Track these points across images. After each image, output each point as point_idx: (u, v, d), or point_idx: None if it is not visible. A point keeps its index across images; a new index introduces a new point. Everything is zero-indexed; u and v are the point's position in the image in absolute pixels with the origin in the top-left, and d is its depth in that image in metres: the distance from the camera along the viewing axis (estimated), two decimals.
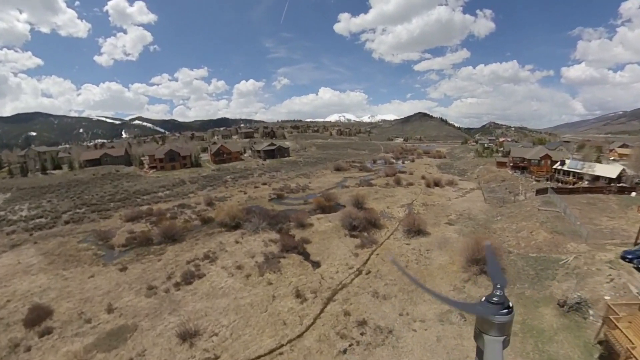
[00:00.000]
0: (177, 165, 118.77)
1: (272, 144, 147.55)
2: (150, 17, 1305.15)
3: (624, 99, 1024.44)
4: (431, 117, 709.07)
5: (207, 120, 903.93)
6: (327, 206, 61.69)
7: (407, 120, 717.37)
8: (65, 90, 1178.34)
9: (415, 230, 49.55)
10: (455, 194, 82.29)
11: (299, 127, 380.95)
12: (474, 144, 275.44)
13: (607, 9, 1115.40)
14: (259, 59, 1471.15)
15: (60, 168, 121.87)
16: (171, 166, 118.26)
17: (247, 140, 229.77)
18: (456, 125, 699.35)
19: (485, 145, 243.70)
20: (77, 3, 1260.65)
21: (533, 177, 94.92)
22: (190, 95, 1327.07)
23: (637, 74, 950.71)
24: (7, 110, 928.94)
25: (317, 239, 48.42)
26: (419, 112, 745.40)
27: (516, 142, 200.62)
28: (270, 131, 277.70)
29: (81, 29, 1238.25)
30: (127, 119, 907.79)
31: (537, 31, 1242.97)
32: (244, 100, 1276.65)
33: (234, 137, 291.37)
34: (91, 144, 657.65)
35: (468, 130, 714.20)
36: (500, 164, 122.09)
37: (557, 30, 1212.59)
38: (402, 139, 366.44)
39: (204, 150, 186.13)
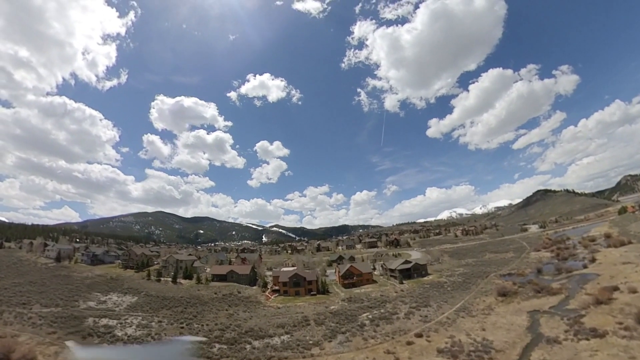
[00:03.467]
0: (302, 291, 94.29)
1: (406, 262, 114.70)
2: (285, 152, 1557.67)
3: None
4: (555, 192, 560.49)
5: (330, 227, 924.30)
6: None
7: (527, 202, 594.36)
8: (226, 203, 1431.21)
9: None
10: None
11: (418, 231, 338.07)
12: None
13: None
14: (369, 172, 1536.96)
15: (191, 278, 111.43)
16: (295, 292, 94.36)
17: (373, 252, 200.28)
18: (579, 191, 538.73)
19: None
20: (237, 146, 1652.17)
21: None
22: (315, 207, 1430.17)
23: None
24: (188, 214, 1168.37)
25: None
26: (539, 190, 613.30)
27: None
28: (393, 240, 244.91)
29: (239, 162, 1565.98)
30: (267, 225, 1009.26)
31: (625, 61, 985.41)
32: (360, 209, 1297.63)
33: (358, 246, 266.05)
34: (240, 243, 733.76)
35: (600, 193, 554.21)
36: None
37: None
38: (537, 226, 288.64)
39: (330, 264, 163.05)
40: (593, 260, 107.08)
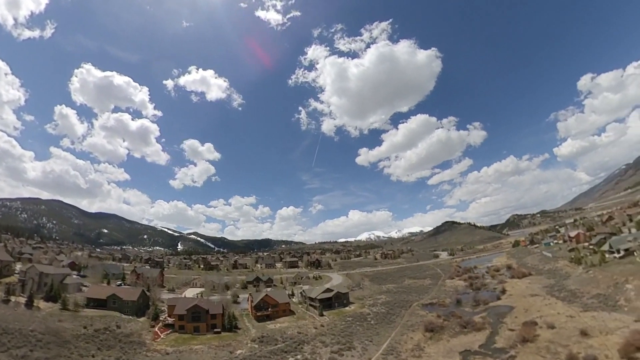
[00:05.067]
0: (203, 328, 74.88)
1: (328, 290, 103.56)
2: (215, 155, 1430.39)
3: (619, 154, 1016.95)
4: (460, 223, 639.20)
5: (253, 240, 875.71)
6: None
7: (437, 231, 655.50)
8: (141, 202, 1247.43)
9: None
10: None
11: (339, 252, 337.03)
12: (536, 246, 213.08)
13: (567, 91, 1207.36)
14: (297, 189, 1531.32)
15: (56, 300, 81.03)
16: (194, 328, 74.47)
17: (293, 272, 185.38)
18: (478, 225, 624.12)
19: (551, 244, 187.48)
20: (163, 140, 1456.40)
21: None
22: (240, 217, 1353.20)
23: (619, 130, 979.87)
24: (93, 208, 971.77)
25: None
26: (447, 222, 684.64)
27: (614, 234, 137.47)
28: (315, 260, 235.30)
29: (163, 158, 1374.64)
30: (185, 232, 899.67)
31: (520, 127, 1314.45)
32: (285, 224, 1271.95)
33: (278, 265, 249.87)
34: (151, 249, 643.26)
35: (493, 227, 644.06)
36: None
37: (536, 121, 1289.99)
38: (446, 253, 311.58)
39: (245, 286, 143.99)
40: (504, 291, 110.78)
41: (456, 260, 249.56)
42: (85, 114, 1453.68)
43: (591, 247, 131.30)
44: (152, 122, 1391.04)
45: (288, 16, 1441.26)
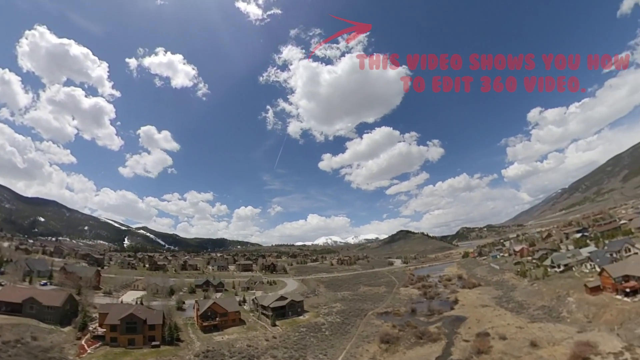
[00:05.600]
0: (139, 340, 65.52)
1: (281, 298, 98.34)
2: (174, 145, 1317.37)
3: (557, 179, 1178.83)
4: (414, 233, 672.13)
5: (207, 239, 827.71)
6: None
7: (392, 239, 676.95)
8: (86, 188, 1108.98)
9: None
10: None
11: (296, 256, 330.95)
12: (484, 258, 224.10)
13: (518, 120, 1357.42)
14: (257, 189, 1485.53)
15: None
16: (128, 340, 64.94)
17: (247, 276, 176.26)
18: (431, 235, 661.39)
19: (498, 256, 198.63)
20: (118, 123, 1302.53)
21: None
22: (194, 214, 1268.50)
23: (558, 159, 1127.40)
24: (30, 192, 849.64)
25: None
26: (402, 230, 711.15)
27: (554, 250, 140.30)
28: (270, 264, 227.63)
29: (116, 143, 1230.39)
30: (133, 226, 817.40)
31: (475, 148, 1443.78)
32: (242, 224, 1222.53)
33: (231, 267, 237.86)
34: (93, 242, 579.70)
35: (444, 238, 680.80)
36: (594, 290, 78.36)
37: (489, 144, 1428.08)
38: (400, 261, 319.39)
39: (192, 291, 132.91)
40: (456, 301, 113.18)
41: (410, 268, 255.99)
42: (32, 82, 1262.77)
43: (534, 261, 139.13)
44: (109, 102, 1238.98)
45: (268, 12, 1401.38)
